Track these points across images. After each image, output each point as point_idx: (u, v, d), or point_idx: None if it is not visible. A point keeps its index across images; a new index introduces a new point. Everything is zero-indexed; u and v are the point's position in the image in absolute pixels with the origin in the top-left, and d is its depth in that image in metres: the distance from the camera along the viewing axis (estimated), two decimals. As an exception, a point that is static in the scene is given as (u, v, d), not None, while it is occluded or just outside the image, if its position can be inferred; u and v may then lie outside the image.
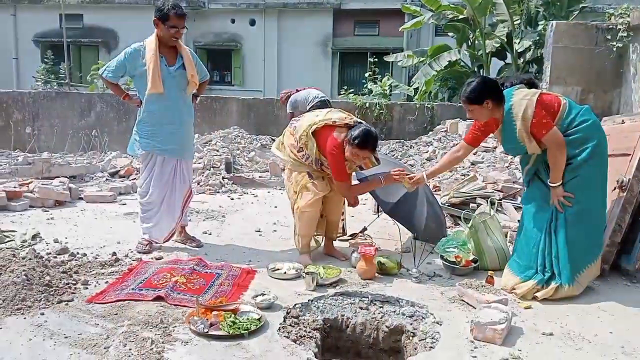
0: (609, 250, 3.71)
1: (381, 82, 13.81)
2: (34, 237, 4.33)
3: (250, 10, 21.07)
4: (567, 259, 3.31)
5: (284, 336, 2.75)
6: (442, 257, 3.88)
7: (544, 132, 3.24)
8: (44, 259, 3.63)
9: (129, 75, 4.11)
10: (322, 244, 4.26)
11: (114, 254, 3.95)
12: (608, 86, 9.44)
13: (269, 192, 7.14)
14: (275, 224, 5.23)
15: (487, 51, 12.80)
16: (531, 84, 3.50)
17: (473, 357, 2.56)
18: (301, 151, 3.89)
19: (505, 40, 12.54)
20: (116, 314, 2.91)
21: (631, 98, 9.16)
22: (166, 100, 4.00)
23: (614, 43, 9.10)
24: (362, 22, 21.27)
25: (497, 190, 5.37)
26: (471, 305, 3.14)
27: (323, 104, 7.39)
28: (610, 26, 9.21)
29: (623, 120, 4.22)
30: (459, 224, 5.09)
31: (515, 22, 12.30)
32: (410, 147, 10.03)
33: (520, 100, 3.31)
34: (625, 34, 9.06)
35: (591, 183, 3.36)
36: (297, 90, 7.57)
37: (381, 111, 11.60)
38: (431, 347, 2.73)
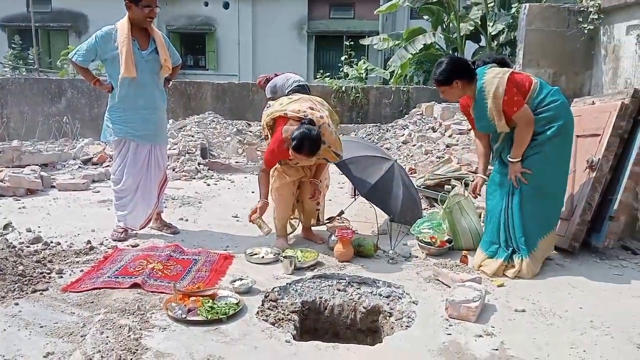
0: (579, 229, 3.81)
1: (357, 65, 13.81)
2: (5, 226, 4.25)
3: (224, -7, 20.76)
4: (521, 233, 3.43)
5: (263, 319, 2.77)
6: (417, 238, 3.93)
7: (515, 109, 3.30)
8: (16, 249, 3.57)
9: (100, 59, 4.01)
10: (299, 228, 4.27)
11: (89, 242, 3.91)
12: (579, 68, 9.59)
13: (245, 177, 7.11)
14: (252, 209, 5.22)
15: (461, 34, 12.88)
16: (503, 63, 3.54)
17: (448, 334, 2.61)
18: (266, 139, 4.00)
19: (480, 23, 12.63)
20: (92, 302, 2.88)
21: (602, 80, 9.32)
22: (138, 85, 3.93)
23: (585, 25, 9.23)
24: (337, 5, 21.17)
25: (472, 172, 5.44)
26: (446, 285, 3.20)
27: (301, 89, 7.38)
28: (582, 8, 9.33)
29: (593, 102, 4.31)
30: (434, 206, 5.17)
31: (489, 5, 12.38)
32: (387, 131, 10.09)
33: (492, 78, 3.35)
34: (596, 16, 9.19)
35: (552, 160, 3.44)
36: (276, 75, 7.53)
37: (357, 95, 11.62)
38: (407, 326, 2.78)
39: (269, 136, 3.94)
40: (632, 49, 8.43)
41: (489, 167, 3.85)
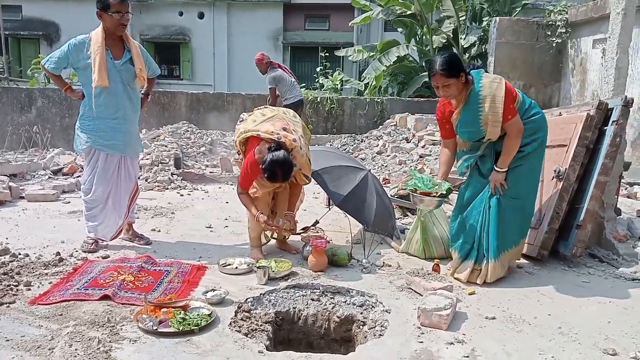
0: (547, 237, 3.89)
1: (332, 76, 13.91)
2: (-29, 238, 4.14)
3: (199, 3, 20.75)
4: (495, 236, 3.45)
5: (236, 330, 2.75)
6: (411, 191, 3.73)
7: (510, 117, 3.28)
8: (-18, 261, 3.48)
9: (72, 67, 3.97)
10: (272, 239, 4.27)
11: (58, 253, 3.83)
12: (548, 80, 9.86)
13: (219, 187, 7.08)
14: (226, 219, 5.20)
15: (434, 46, 13.10)
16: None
17: (420, 342, 2.64)
18: (240, 154, 4.03)
19: (452, 35, 12.87)
20: (61, 314, 2.82)
21: (570, 91, 9.59)
22: (109, 95, 3.89)
23: (554, 39, 9.51)
24: (312, 17, 21.34)
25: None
26: (418, 293, 3.24)
27: (299, 104, 7.59)
28: (550, 22, 9.61)
29: (560, 113, 4.43)
30: (407, 215, 5.22)
31: (460, 18, 12.64)
32: (362, 141, 10.17)
33: (490, 82, 3.31)
34: (563, 30, 9.48)
35: (531, 172, 3.51)
36: (279, 65, 7.62)
37: (332, 106, 11.69)
38: (380, 334, 2.80)
39: (241, 153, 3.97)
40: (598, 61, 8.70)
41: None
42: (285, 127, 3.73)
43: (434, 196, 3.57)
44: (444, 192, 3.56)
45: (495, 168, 3.44)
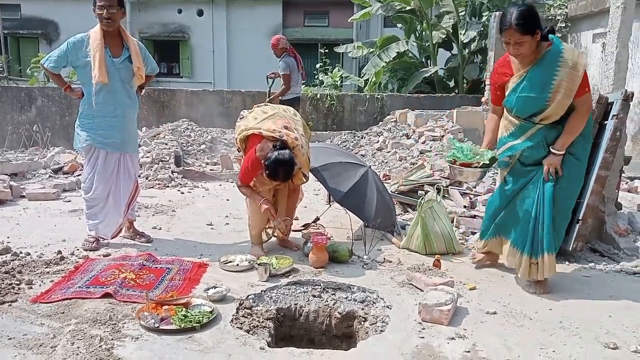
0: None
1: (332, 73, 13.89)
2: (-28, 237, 4.15)
3: (198, 0, 20.70)
4: (551, 227, 3.16)
5: (237, 327, 2.76)
6: (450, 162, 3.44)
7: (587, 90, 2.98)
8: (-17, 260, 3.49)
9: (71, 65, 3.98)
10: (273, 237, 4.26)
11: (59, 252, 3.84)
12: (548, 75, 9.82)
13: (220, 185, 7.07)
14: (227, 217, 5.20)
15: (434, 42, 13.09)
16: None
17: (421, 337, 2.64)
18: (240, 151, 4.04)
19: (451, 31, 12.85)
20: (63, 312, 2.84)
21: (569, 86, 9.56)
22: (108, 92, 3.90)
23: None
24: (311, 13, 21.30)
25: (444, 178, 5.52)
26: (419, 289, 3.24)
27: (297, 101, 7.57)
28: (550, 17, 9.59)
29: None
30: (408, 211, 5.22)
31: (460, 14, 12.61)
32: (362, 138, 10.16)
33: (572, 49, 3.00)
34: (563, 25, 9.46)
35: (579, 165, 3.24)
36: (294, 54, 7.39)
37: (332, 102, 11.68)
38: (381, 330, 2.80)
39: (241, 150, 3.98)
40: (598, 56, 8.69)
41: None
42: (287, 126, 3.73)
43: (475, 167, 3.25)
44: (487, 162, 3.23)
45: (552, 150, 3.09)
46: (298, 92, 7.78)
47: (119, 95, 3.95)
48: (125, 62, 3.94)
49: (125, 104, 4.01)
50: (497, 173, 4.05)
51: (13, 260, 3.64)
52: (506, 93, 3.20)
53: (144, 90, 4.42)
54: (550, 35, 3.00)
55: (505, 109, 3.28)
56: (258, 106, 4.16)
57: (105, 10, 3.78)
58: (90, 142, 3.96)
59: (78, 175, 6.87)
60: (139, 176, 6.25)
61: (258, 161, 3.61)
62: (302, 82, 7.96)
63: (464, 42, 12.69)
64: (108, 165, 4.01)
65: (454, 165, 3.33)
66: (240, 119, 4.07)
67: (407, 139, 8.95)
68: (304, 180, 3.89)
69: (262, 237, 4.09)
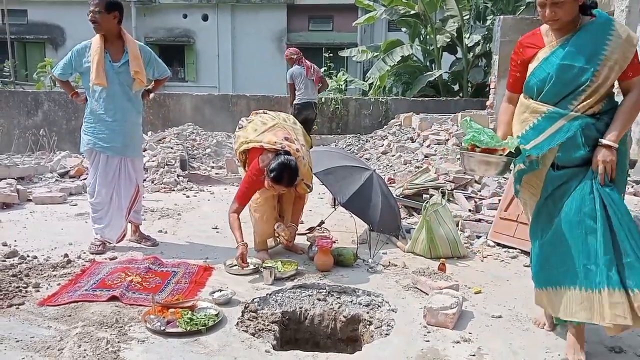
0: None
1: (336, 77, 13.92)
2: (-20, 241, 4.18)
3: (203, 5, 20.81)
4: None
5: (243, 330, 2.77)
6: (465, 148, 2.66)
7: None
8: (-9, 263, 3.51)
9: (76, 72, 4.07)
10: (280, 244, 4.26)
11: (66, 255, 3.86)
12: (553, 78, 9.80)
13: (225, 188, 7.10)
14: (232, 220, 5.21)
15: (438, 46, 13.10)
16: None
17: (426, 341, 2.65)
18: (239, 162, 4.06)
19: (456, 35, 12.86)
20: (69, 315, 2.85)
21: (574, 90, 9.54)
22: (108, 96, 3.93)
23: (558, 37, 9.46)
24: (316, 18, 21.35)
25: (449, 181, 5.53)
26: (424, 292, 3.24)
27: (307, 106, 7.90)
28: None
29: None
30: (413, 215, 5.23)
31: (464, 17, 12.63)
32: (366, 141, 10.18)
33: (623, 25, 2.49)
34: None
35: (622, 167, 2.53)
36: (304, 62, 7.91)
37: (337, 106, 11.71)
38: (387, 334, 2.81)
39: (240, 161, 3.98)
40: (603, 60, 8.65)
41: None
42: (287, 137, 3.72)
43: (501, 155, 2.52)
44: (513, 151, 2.53)
45: (604, 142, 2.37)
46: (309, 96, 8.13)
47: (119, 99, 3.98)
48: (125, 66, 3.97)
49: (125, 107, 4.03)
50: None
51: (20, 264, 3.67)
52: (529, 73, 2.56)
53: (152, 95, 4.43)
54: (595, 10, 2.46)
55: (524, 96, 2.62)
56: (257, 113, 4.14)
57: (90, 14, 3.85)
58: (92, 146, 4.00)
59: (84, 179, 6.92)
60: (145, 180, 6.30)
61: (261, 171, 3.58)
62: (319, 86, 8.39)
63: (469, 45, 12.70)
64: (109, 169, 4.04)
65: (474, 152, 2.56)
66: (240, 128, 4.03)
67: (412, 142, 8.95)
68: (308, 190, 3.88)
69: (269, 243, 4.09)
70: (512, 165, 2.60)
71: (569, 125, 2.41)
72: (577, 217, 2.37)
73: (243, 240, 3.59)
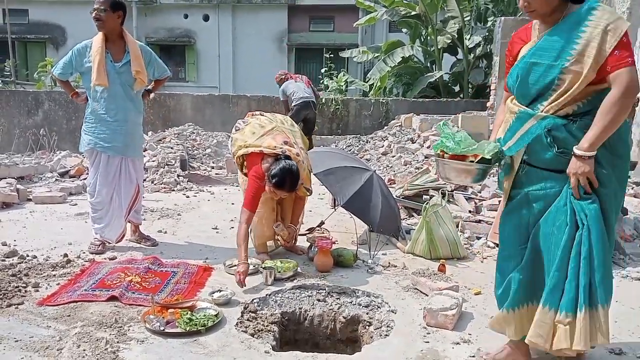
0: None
1: (337, 78, 13.92)
2: (-21, 240, 4.18)
3: (204, 5, 20.81)
4: (602, 264, 2.13)
5: (242, 331, 2.77)
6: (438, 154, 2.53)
7: (630, 60, 2.05)
8: (-9, 263, 3.51)
9: (77, 71, 4.07)
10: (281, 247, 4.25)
11: (66, 255, 3.86)
12: (553, 80, 9.80)
13: (225, 189, 7.10)
14: (232, 220, 5.21)
15: (439, 47, 13.09)
16: None
17: (426, 342, 2.64)
18: (237, 165, 3.99)
19: (456, 36, 12.85)
20: (69, 315, 2.85)
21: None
22: (109, 96, 3.93)
23: (558, 38, 9.46)
24: (317, 18, 21.35)
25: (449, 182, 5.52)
26: (424, 293, 3.24)
27: (306, 106, 8.05)
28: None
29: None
30: (413, 216, 5.22)
31: (465, 19, 12.62)
32: (367, 142, 10.17)
33: (611, 11, 2.17)
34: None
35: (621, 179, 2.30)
36: (291, 77, 8.20)
37: (337, 107, 11.70)
38: (386, 334, 2.80)
39: (238, 165, 3.93)
40: (604, 61, 8.65)
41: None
42: (287, 141, 3.69)
43: (472, 162, 2.36)
44: (487, 157, 2.32)
45: (576, 150, 2.11)
46: (305, 96, 8.29)
47: (120, 99, 3.98)
48: (127, 66, 3.96)
49: (126, 107, 4.03)
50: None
51: (20, 263, 3.67)
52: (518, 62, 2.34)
53: (152, 95, 4.44)
54: None
55: (509, 97, 2.44)
56: (253, 115, 4.10)
57: (95, 12, 3.83)
58: (92, 146, 4.00)
59: (84, 179, 6.91)
60: (145, 180, 6.29)
61: (264, 175, 3.54)
62: (311, 87, 8.66)
63: (469, 47, 12.69)
64: (110, 169, 4.04)
65: (447, 160, 2.42)
66: (237, 130, 3.99)
67: (412, 143, 8.95)
68: (307, 194, 3.87)
69: (269, 245, 4.08)
70: (496, 170, 2.48)
71: (537, 125, 2.21)
72: (550, 229, 2.22)
73: (246, 260, 3.40)
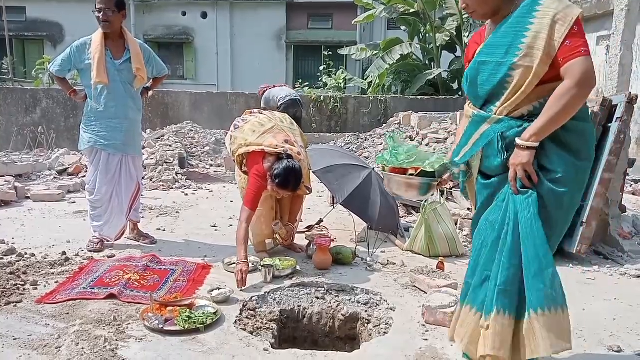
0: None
1: (336, 75, 13.91)
2: (-23, 238, 4.17)
3: (202, 3, 20.74)
4: (537, 270, 2.12)
5: (241, 329, 2.77)
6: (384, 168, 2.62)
7: (583, 51, 1.93)
8: (-11, 261, 3.50)
9: (75, 69, 4.04)
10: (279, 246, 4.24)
11: (64, 253, 3.86)
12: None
13: (224, 186, 7.10)
14: (231, 218, 5.21)
15: (437, 44, 13.07)
16: None
17: (425, 340, 2.64)
18: (235, 162, 3.94)
19: (455, 33, 12.83)
20: (67, 313, 2.85)
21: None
22: (110, 94, 3.92)
23: (557, 36, 9.45)
24: (315, 16, 21.30)
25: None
26: (423, 291, 3.24)
27: (293, 104, 7.81)
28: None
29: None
30: (411, 213, 5.23)
31: (464, 16, 12.60)
32: (365, 140, 10.17)
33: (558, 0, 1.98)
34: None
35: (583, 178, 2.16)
36: (274, 86, 8.00)
37: (336, 104, 11.69)
38: (385, 332, 2.81)
39: (237, 163, 3.88)
40: (603, 58, 8.66)
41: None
42: (287, 139, 3.68)
43: (411, 175, 2.32)
44: (428, 171, 2.30)
45: (518, 141, 2.01)
46: (289, 95, 7.75)
47: (120, 97, 3.97)
48: (127, 63, 3.96)
49: (127, 105, 4.02)
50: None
51: (18, 261, 3.66)
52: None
53: (151, 92, 4.44)
54: None
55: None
56: (252, 113, 4.08)
57: (102, 13, 3.81)
58: (93, 144, 3.99)
59: (83, 177, 6.91)
60: (143, 178, 6.28)
61: (266, 174, 3.52)
62: (305, 84, 8.30)
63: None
64: (110, 167, 4.03)
65: (387, 173, 2.39)
66: (235, 128, 3.96)
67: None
68: (307, 192, 3.86)
69: (268, 243, 4.07)
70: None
71: (490, 129, 2.09)
72: (484, 224, 2.16)
73: (246, 259, 3.36)
